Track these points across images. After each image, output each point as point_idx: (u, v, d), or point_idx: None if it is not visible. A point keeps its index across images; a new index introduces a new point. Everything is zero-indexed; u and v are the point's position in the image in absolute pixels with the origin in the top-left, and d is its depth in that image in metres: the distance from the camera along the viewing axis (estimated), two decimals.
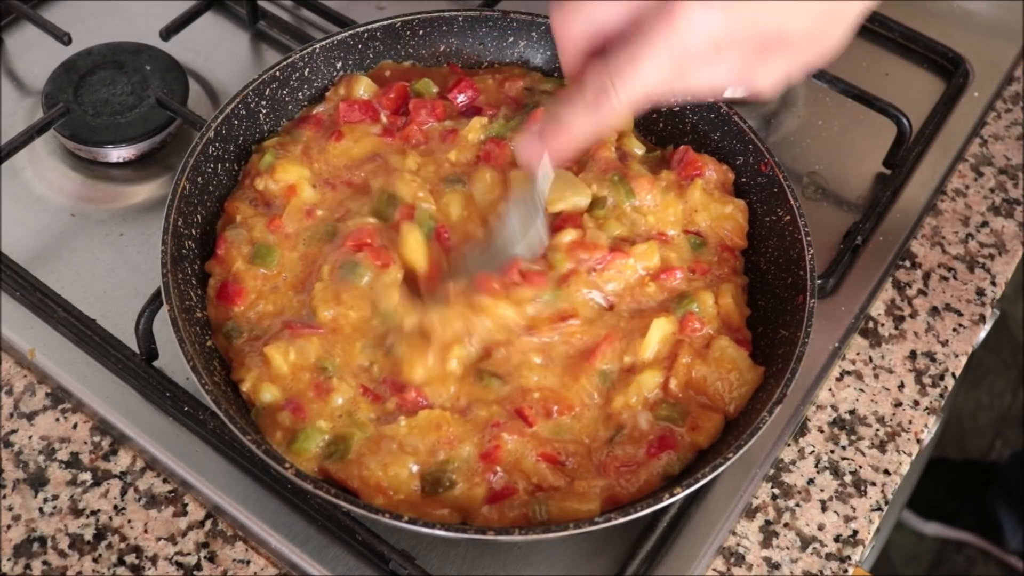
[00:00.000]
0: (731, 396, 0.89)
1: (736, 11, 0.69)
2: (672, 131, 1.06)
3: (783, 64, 0.74)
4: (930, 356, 1.06)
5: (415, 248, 0.91)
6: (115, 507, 0.92)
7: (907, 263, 1.12)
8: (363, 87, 1.04)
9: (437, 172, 0.99)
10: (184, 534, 0.92)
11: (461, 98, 1.05)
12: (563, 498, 0.84)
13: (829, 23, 0.74)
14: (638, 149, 1.03)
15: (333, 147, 1.00)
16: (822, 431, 1.01)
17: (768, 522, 0.95)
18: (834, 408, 1.02)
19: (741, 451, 0.82)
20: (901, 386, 1.04)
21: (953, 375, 1.05)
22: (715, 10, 0.69)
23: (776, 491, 0.97)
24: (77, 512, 0.92)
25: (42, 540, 0.90)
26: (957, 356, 1.07)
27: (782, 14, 0.71)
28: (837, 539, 0.94)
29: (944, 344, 1.07)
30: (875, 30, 1.29)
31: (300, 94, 1.05)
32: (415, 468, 0.83)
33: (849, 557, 0.94)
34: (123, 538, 0.91)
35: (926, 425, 1.02)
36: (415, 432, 0.84)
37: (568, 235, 0.93)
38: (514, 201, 0.91)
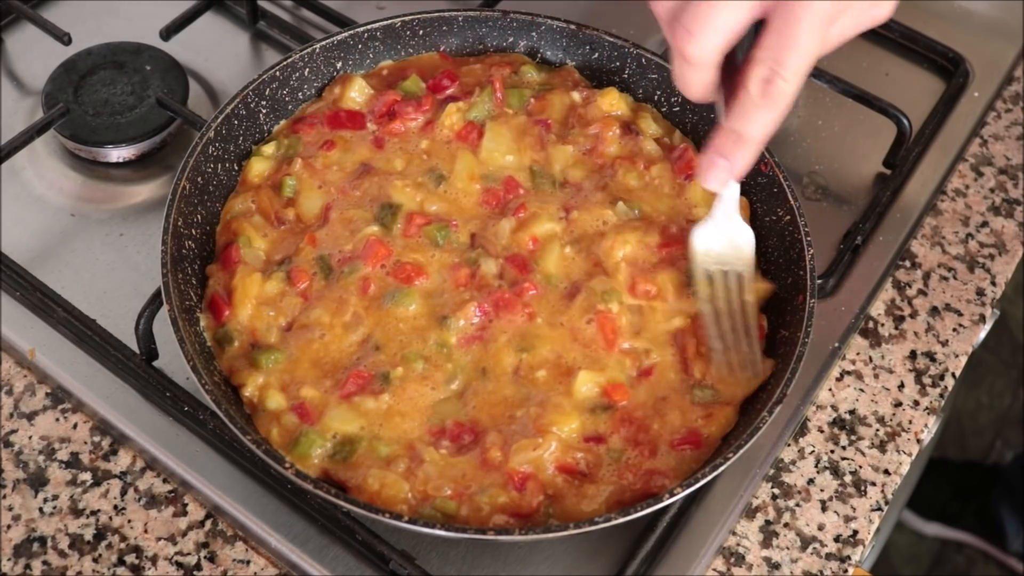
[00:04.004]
0: (740, 387, 0.90)
1: None
2: None
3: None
4: (930, 356, 1.06)
5: None
6: (115, 507, 0.92)
7: (907, 263, 1.12)
8: (356, 89, 1.04)
9: (420, 167, 1.00)
10: (184, 534, 0.92)
11: (446, 90, 1.06)
12: (570, 500, 0.84)
13: None
14: (652, 129, 1.04)
15: (324, 157, 1.00)
16: (822, 431, 1.01)
17: (768, 522, 0.95)
18: (834, 408, 1.02)
19: (741, 451, 0.82)
20: (901, 386, 1.04)
21: (953, 375, 1.05)
22: None
23: (776, 491, 0.97)
24: (77, 512, 0.92)
25: (42, 540, 0.90)
26: (957, 356, 1.07)
27: None
28: (837, 539, 0.94)
29: (944, 344, 1.07)
30: (875, 30, 1.29)
31: (300, 94, 1.05)
32: (408, 496, 0.83)
33: (849, 557, 0.94)
34: (123, 538, 0.91)
35: (926, 425, 1.02)
36: (447, 468, 0.84)
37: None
38: (716, 243, 0.91)
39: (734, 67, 0.78)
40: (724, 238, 0.90)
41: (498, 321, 0.91)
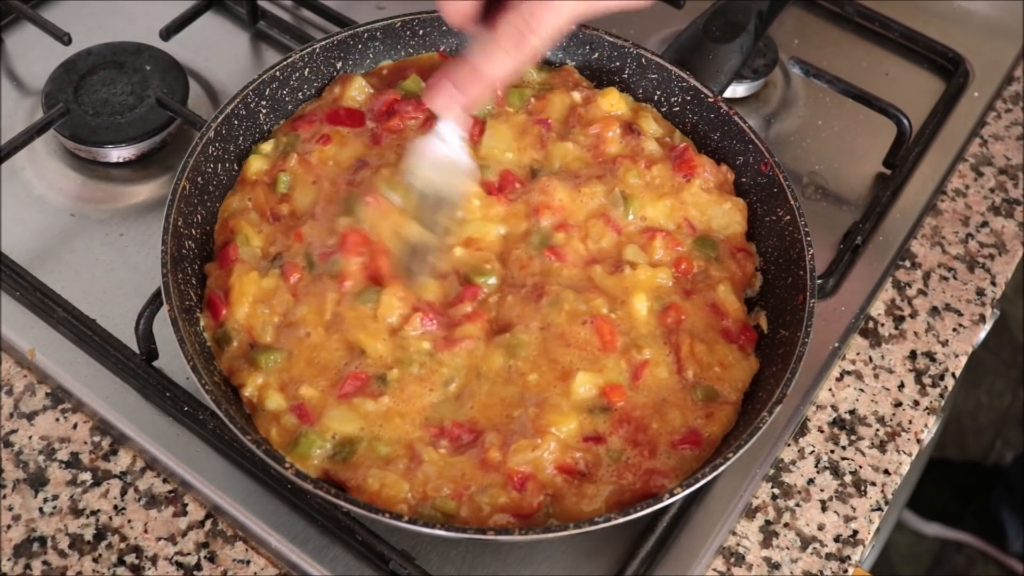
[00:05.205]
0: (732, 385, 0.90)
1: None
2: None
3: None
4: (930, 356, 1.06)
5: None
6: (115, 507, 0.92)
7: (907, 263, 1.12)
8: (356, 88, 1.04)
9: None
10: (184, 534, 0.92)
11: None
12: (570, 500, 0.84)
13: None
14: (653, 129, 1.04)
15: (320, 151, 1.00)
16: (822, 431, 1.01)
17: (768, 522, 0.95)
18: (834, 408, 1.02)
19: (741, 451, 0.82)
20: (901, 386, 1.04)
21: (953, 375, 1.05)
22: None
23: (776, 491, 0.97)
24: (77, 512, 0.92)
25: (42, 540, 0.90)
26: (957, 356, 1.07)
27: None
28: (837, 539, 0.94)
29: (944, 344, 1.07)
30: (875, 30, 1.29)
31: (300, 94, 1.05)
32: (408, 496, 0.83)
33: (849, 557, 0.94)
34: (123, 538, 0.91)
35: (926, 425, 1.02)
36: (446, 468, 0.84)
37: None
38: (428, 161, 0.93)
39: (499, 6, 0.81)
40: (442, 162, 0.92)
41: (461, 327, 0.91)
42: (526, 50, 0.79)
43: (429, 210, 0.93)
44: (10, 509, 0.92)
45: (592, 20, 1.02)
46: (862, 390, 1.03)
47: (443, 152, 0.92)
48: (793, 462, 0.99)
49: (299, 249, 0.94)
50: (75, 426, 0.96)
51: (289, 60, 1.03)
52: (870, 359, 1.05)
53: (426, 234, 0.93)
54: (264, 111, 1.03)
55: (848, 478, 0.98)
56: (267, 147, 1.01)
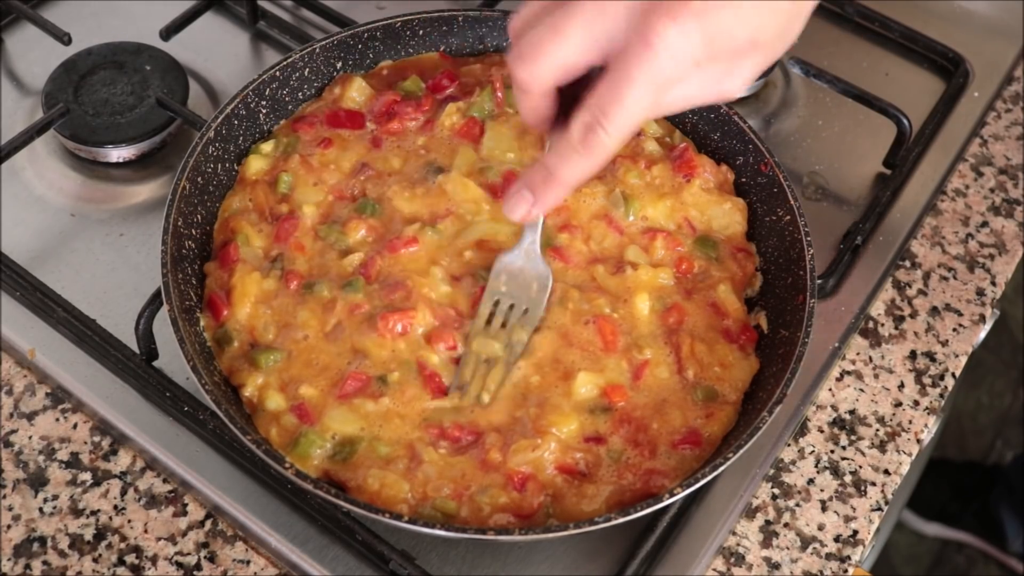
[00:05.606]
0: (732, 385, 0.91)
1: (712, 26, 0.68)
2: None
3: (753, 66, 0.73)
4: (930, 356, 1.06)
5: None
6: (115, 507, 0.92)
7: (907, 263, 1.12)
8: (356, 88, 1.04)
9: (417, 163, 1.00)
10: (184, 534, 0.92)
11: (446, 91, 1.06)
12: (570, 500, 0.84)
13: (795, 18, 0.73)
14: (653, 129, 1.04)
15: (321, 155, 1.00)
16: (822, 431, 1.01)
17: (768, 522, 0.95)
18: (834, 408, 1.02)
19: (741, 451, 0.82)
20: (901, 386, 1.04)
21: (953, 375, 1.05)
22: (692, 31, 0.67)
23: (776, 491, 0.97)
24: (77, 512, 0.92)
25: (42, 540, 0.90)
26: (957, 356, 1.07)
27: (755, 21, 0.70)
28: (837, 539, 0.95)
29: (944, 344, 1.07)
30: (875, 30, 1.29)
31: (300, 94, 1.05)
32: (408, 496, 0.83)
33: (849, 557, 0.94)
34: (123, 538, 0.91)
35: (926, 425, 1.02)
36: (446, 468, 0.84)
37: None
38: (506, 274, 0.93)
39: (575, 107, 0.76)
40: (520, 269, 0.92)
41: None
42: (598, 148, 0.73)
43: (502, 313, 0.91)
44: (10, 509, 0.92)
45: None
46: (862, 390, 1.03)
47: (519, 264, 0.92)
48: (793, 462, 0.99)
49: (299, 258, 0.94)
50: (75, 426, 0.96)
51: (289, 60, 1.03)
52: (870, 359, 1.05)
53: (499, 351, 0.90)
54: (264, 111, 1.03)
55: (848, 478, 0.98)
56: (267, 147, 1.01)
